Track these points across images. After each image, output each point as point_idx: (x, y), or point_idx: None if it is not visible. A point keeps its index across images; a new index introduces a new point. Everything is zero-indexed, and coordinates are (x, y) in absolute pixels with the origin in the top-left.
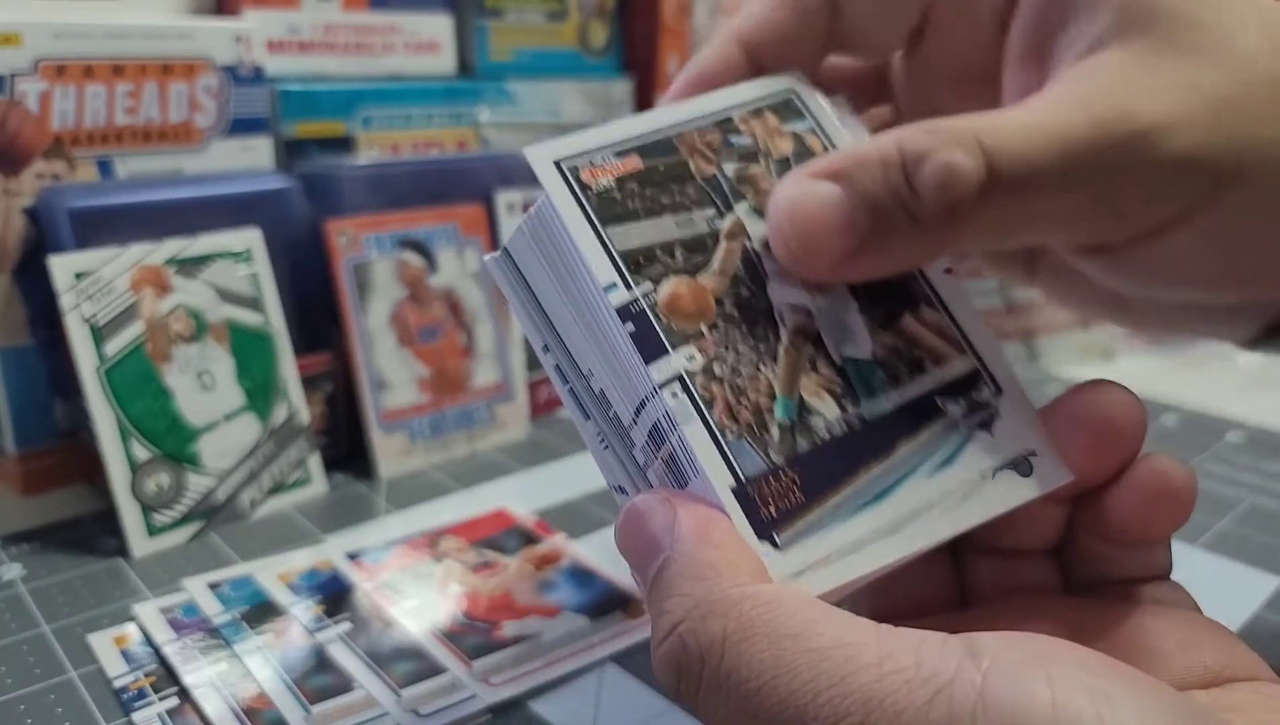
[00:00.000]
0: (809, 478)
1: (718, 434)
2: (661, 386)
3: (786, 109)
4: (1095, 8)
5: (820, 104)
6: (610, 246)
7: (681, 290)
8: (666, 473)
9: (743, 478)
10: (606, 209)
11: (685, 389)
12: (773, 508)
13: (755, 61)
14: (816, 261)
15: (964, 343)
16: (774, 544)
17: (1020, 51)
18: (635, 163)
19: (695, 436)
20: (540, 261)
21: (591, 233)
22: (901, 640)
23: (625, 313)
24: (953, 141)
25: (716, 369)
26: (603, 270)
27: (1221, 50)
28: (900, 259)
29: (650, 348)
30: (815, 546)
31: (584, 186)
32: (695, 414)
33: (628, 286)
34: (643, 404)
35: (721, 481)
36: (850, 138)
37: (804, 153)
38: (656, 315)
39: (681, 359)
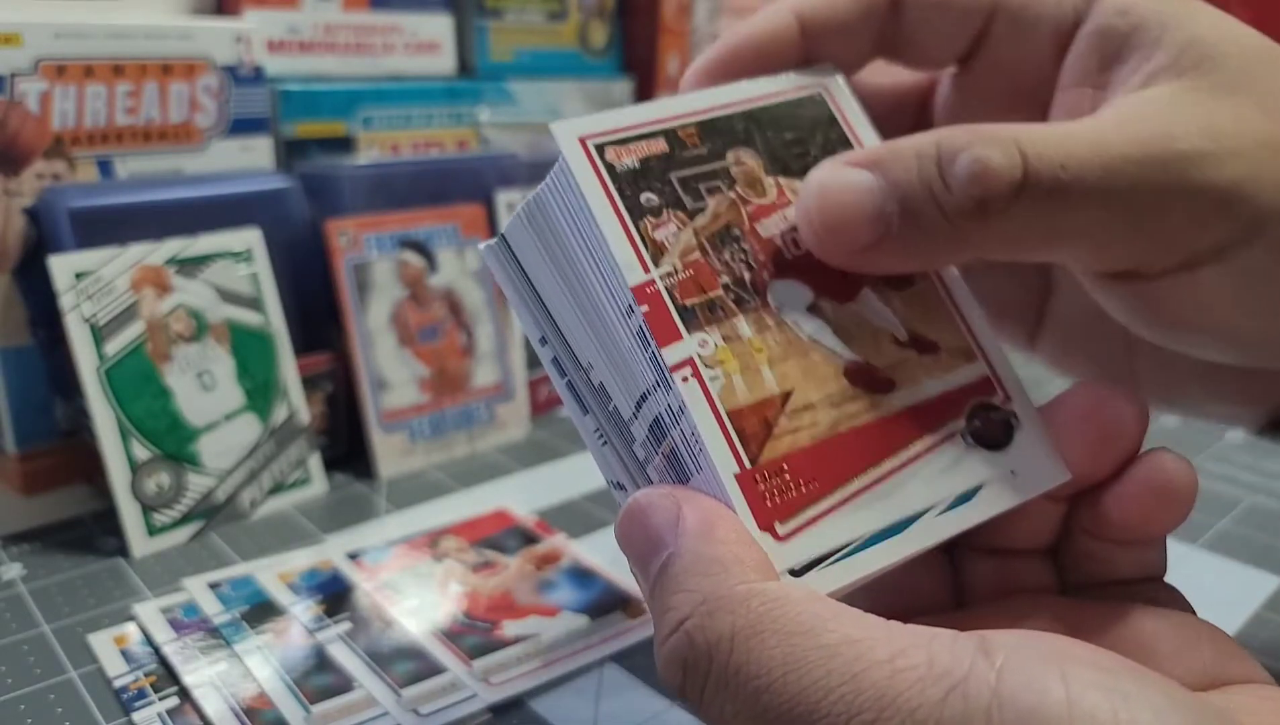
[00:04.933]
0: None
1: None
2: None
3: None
4: (1154, 45)
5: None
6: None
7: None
8: (668, 468)
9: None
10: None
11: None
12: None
13: (805, 44)
14: (839, 247)
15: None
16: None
17: (1074, 79)
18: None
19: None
20: (539, 250)
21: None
22: (913, 636)
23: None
24: (990, 140)
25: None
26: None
27: (1271, 100)
28: (923, 254)
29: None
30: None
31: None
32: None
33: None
34: (644, 397)
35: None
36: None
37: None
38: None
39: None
